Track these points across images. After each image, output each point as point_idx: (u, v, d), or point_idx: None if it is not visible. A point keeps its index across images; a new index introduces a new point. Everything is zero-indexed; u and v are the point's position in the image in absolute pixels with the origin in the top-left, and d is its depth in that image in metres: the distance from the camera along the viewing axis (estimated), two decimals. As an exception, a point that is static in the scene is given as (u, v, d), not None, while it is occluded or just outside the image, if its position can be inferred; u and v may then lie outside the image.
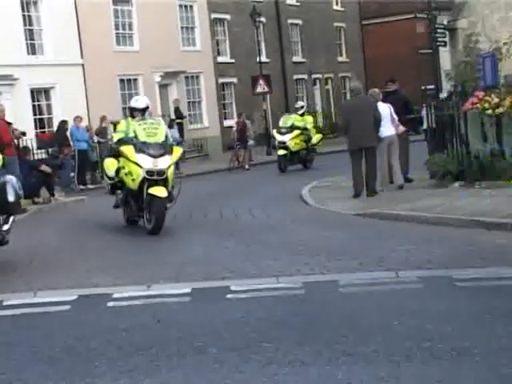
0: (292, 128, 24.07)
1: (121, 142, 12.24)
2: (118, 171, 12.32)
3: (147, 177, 11.59)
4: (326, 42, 44.05)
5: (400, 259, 8.50)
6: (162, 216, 11.50)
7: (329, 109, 44.17)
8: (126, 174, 12.04)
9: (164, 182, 11.67)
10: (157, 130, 12.05)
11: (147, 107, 12.69)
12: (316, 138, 24.97)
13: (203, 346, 5.60)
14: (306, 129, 24.41)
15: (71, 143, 23.36)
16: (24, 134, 20.04)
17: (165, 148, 11.86)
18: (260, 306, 6.76)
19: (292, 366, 5.09)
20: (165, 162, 11.70)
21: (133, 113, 12.64)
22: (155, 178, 11.58)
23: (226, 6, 36.71)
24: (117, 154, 12.45)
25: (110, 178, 12.69)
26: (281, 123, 24.93)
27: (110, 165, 12.55)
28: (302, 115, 24.99)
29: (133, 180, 11.84)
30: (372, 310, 6.44)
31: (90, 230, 13.26)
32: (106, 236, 12.37)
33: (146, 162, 11.63)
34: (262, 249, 9.89)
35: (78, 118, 24.04)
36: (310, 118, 25.52)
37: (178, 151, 12.18)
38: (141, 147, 11.73)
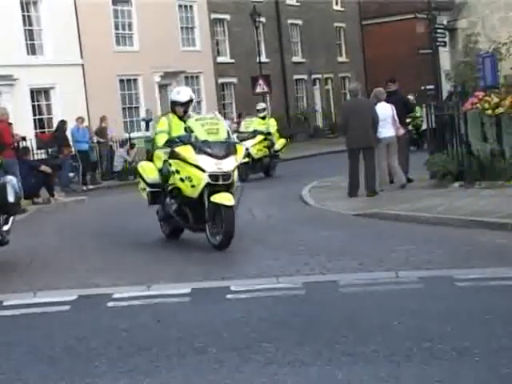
0: (254, 133, 21.87)
1: (170, 143, 10.41)
2: (166, 177, 10.53)
3: (211, 182, 9.81)
4: (326, 42, 44.08)
5: (400, 259, 8.50)
6: (233, 227, 9.68)
7: (329, 109, 44.20)
8: (182, 180, 10.10)
9: (228, 188, 9.95)
10: (217, 126, 10.21)
11: (191, 100, 10.96)
12: (279, 143, 22.80)
13: (203, 346, 5.60)
14: (269, 133, 22.46)
15: (71, 143, 23.37)
16: (24, 138, 20.22)
17: (229, 147, 10.07)
18: (260, 306, 6.75)
19: (292, 366, 5.09)
20: (230, 164, 9.95)
21: (174, 107, 10.91)
22: (220, 183, 9.85)
23: (225, 6, 36.74)
24: (151, 158, 11.09)
25: (149, 185, 10.87)
26: (242, 128, 22.75)
27: (149, 170, 10.87)
28: (263, 118, 22.83)
29: (192, 186, 9.98)
30: (372, 309, 6.43)
31: (90, 230, 13.24)
32: (106, 236, 12.35)
33: (209, 164, 9.85)
34: (262, 249, 9.89)
35: (79, 119, 24.03)
36: (272, 121, 23.17)
37: (241, 150, 10.48)
38: (201, 147, 9.91)
